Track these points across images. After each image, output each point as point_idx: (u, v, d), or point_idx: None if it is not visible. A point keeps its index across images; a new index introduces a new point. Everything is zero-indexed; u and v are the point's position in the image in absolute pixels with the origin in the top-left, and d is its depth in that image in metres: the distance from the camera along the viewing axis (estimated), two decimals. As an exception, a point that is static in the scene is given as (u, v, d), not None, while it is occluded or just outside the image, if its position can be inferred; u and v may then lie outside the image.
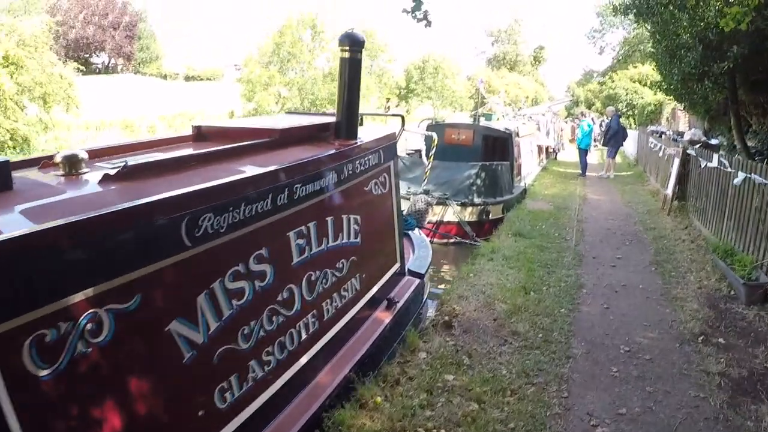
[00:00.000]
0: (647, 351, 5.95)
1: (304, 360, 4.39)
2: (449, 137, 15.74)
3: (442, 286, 9.33)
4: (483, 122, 17.21)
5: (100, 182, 3.31)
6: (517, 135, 16.95)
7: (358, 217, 5.30)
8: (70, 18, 75.50)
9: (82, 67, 42.56)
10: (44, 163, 3.81)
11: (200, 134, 5.16)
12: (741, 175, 8.57)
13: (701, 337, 6.27)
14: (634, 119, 36.26)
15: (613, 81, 42.84)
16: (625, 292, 7.78)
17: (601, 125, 28.93)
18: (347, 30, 5.46)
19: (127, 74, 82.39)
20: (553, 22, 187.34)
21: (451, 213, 12.70)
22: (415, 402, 4.75)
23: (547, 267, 8.73)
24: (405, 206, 12.08)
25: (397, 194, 6.36)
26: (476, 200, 13.24)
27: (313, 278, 4.54)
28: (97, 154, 4.20)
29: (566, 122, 44.93)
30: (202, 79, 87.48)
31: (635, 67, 44.29)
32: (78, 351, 2.65)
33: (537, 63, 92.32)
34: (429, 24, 7.20)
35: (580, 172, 21.65)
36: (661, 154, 16.93)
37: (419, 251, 7.81)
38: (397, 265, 6.39)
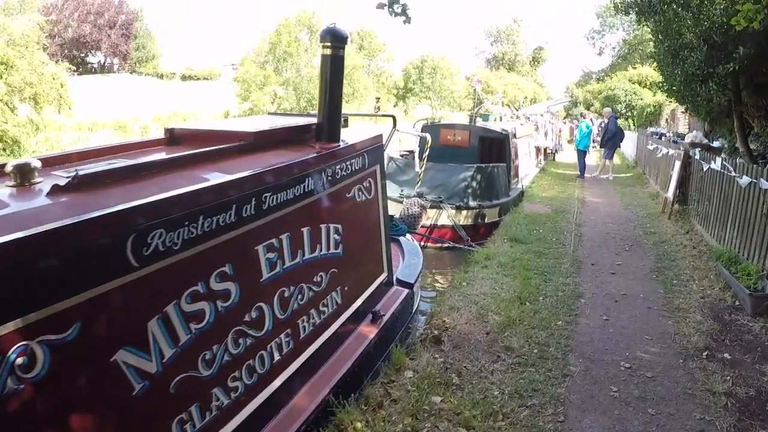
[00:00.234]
0: (649, 368, 5.59)
1: (277, 383, 4.04)
2: (444, 138, 15.39)
3: (434, 295, 8.93)
4: (479, 123, 16.84)
5: (49, 194, 3.01)
6: (515, 136, 16.57)
7: (340, 226, 4.95)
8: (65, 17, 75.23)
9: (72, 67, 42.11)
10: None
11: (173, 138, 4.81)
12: (746, 179, 8.22)
13: (706, 352, 5.92)
14: (633, 120, 35.88)
15: (611, 79, 42.44)
16: (625, 302, 7.42)
17: (600, 126, 28.60)
18: (329, 25, 5.13)
19: (123, 74, 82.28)
20: (552, 22, 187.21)
21: (446, 217, 12.33)
22: (399, 428, 4.38)
23: (544, 275, 8.38)
24: (398, 210, 11.79)
25: (384, 200, 6.01)
26: (471, 203, 12.87)
27: (286, 295, 4.18)
28: (57, 162, 3.88)
29: (565, 123, 44.65)
30: (198, 79, 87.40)
31: (635, 68, 43.97)
32: (8, 388, 2.35)
33: (536, 63, 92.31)
34: (408, 20, 6.81)
35: (579, 173, 21.35)
36: (660, 155, 16.62)
37: (409, 258, 7.46)
38: (384, 275, 6.04)
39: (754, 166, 8.29)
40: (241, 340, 3.67)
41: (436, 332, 6.11)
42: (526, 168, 19.07)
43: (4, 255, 2.35)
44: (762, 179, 7.61)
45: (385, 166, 13.55)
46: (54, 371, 2.51)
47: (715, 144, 12.94)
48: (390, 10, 6.67)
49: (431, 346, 5.83)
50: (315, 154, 4.69)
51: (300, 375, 4.32)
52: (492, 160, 14.85)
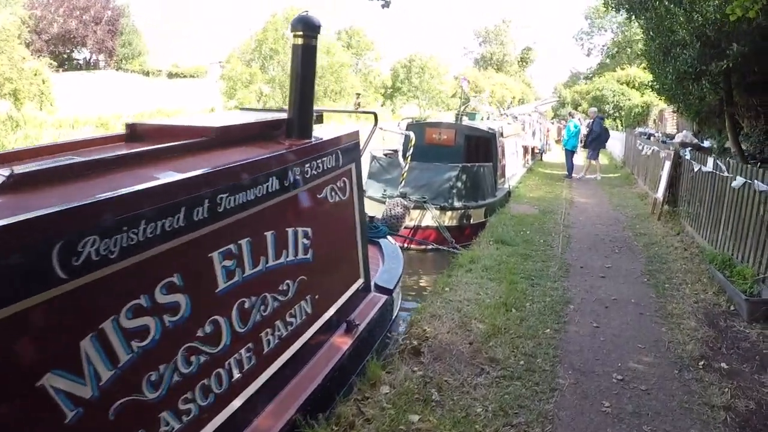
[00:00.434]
0: (643, 380, 5.24)
1: (237, 404, 3.67)
2: (430, 137, 15.02)
3: (416, 301, 8.52)
4: (466, 122, 16.47)
5: None
6: (501, 135, 16.22)
7: (309, 230, 4.58)
8: (51, 12, 74.36)
9: (54, 63, 41.59)
10: None
11: (134, 134, 4.39)
12: (740, 180, 7.90)
13: (702, 362, 5.57)
14: (621, 121, 35.79)
15: (600, 80, 42.35)
16: (616, 308, 7.07)
17: (588, 126, 28.38)
18: (301, 13, 4.75)
19: (108, 70, 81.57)
20: (541, 23, 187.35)
21: (430, 218, 11.96)
22: (372, 451, 4.00)
23: (531, 279, 8.01)
24: (380, 210, 11.41)
25: (360, 201, 5.64)
26: (456, 204, 12.49)
27: (246, 306, 3.81)
28: (6, 159, 3.53)
29: (552, 123, 44.49)
30: (185, 77, 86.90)
31: (623, 68, 43.89)
32: None
33: (524, 64, 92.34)
34: (387, 4, 6.44)
35: (567, 173, 21.08)
36: (649, 153, 16.35)
37: (389, 262, 7.09)
38: (360, 281, 5.69)
39: (748, 166, 7.97)
40: (193, 358, 3.31)
41: (415, 342, 5.72)
42: (513, 168, 18.74)
43: None
44: (757, 181, 7.28)
45: (369, 165, 13.31)
46: None
47: (706, 144, 12.65)
48: None
49: (410, 358, 5.44)
50: (280, 152, 4.32)
51: (264, 393, 3.95)
52: (478, 160, 14.49)
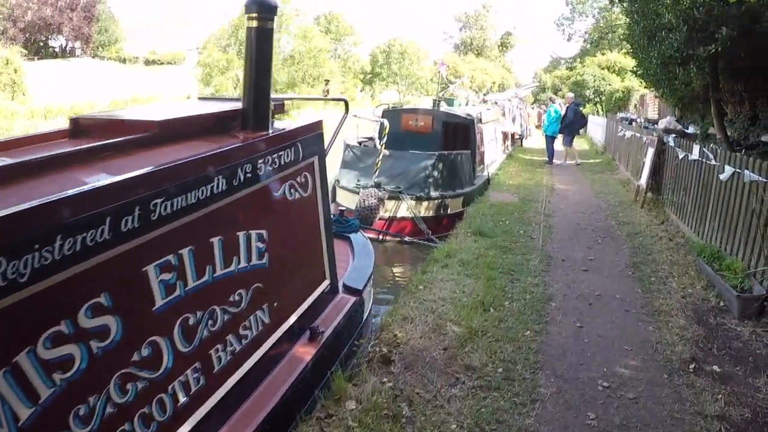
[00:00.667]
0: (630, 387, 4.85)
1: (184, 430, 3.27)
2: (406, 123, 14.57)
3: (389, 299, 8.07)
4: (444, 107, 16.00)
5: None
6: (480, 121, 15.75)
7: (264, 232, 4.14)
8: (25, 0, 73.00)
9: (24, 50, 40.74)
10: None
11: (77, 129, 3.90)
12: (728, 170, 7.52)
13: (692, 365, 5.20)
14: (601, 106, 35.49)
15: (584, 66, 42.06)
16: (600, 305, 6.68)
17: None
18: None
19: (85, 58, 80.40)
20: (521, 8, 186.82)
21: (405, 208, 11.51)
22: (332, 480, 3.57)
23: (511, 273, 7.60)
24: (354, 201, 10.97)
25: (323, 197, 5.17)
26: (433, 194, 12.03)
27: (191, 322, 3.37)
28: None
29: (533, 108, 44.18)
30: (162, 64, 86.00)
31: (603, 54, 43.59)
32: None
33: (504, 49, 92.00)
34: None
35: (547, 160, 20.75)
36: (631, 139, 16.03)
37: (359, 259, 6.64)
38: (325, 283, 5.24)
39: (737, 154, 7.59)
40: (129, 386, 2.91)
41: (385, 350, 5.27)
42: (493, 154, 18.32)
43: None
44: (747, 170, 6.90)
45: (342, 154, 12.83)
46: None
47: (690, 130, 12.29)
48: None
49: (379, 368, 4.99)
50: (227, 147, 3.85)
51: (215, 417, 3.54)
52: (456, 147, 14.06)
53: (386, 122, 11.10)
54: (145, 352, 3.02)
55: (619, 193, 14.27)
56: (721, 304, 6.56)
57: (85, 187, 2.71)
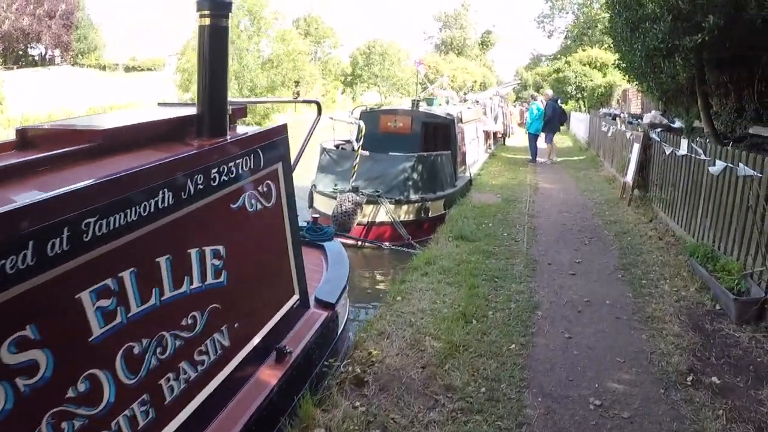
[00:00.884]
0: (624, 404, 4.45)
1: None
2: (385, 125, 14.15)
3: (369, 309, 7.64)
4: (423, 107, 15.59)
5: None
6: (461, 120, 15.35)
7: (221, 248, 3.77)
8: (3, 9, 72.15)
9: (1, 60, 40.31)
10: None
11: (24, 140, 3.61)
12: (720, 164, 7.16)
13: (690, 377, 4.81)
14: (584, 102, 35.24)
15: (566, 63, 41.86)
16: (589, 312, 6.27)
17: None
18: None
19: (64, 66, 79.68)
20: (501, 6, 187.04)
21: (384, 213, 11.08)
22: None
23: (494, 280, 7.18)
24: (331, 207, 10.54)
25: (289, 205, 4.76)
26: (413, 197, 11.60)
27: (136, 351, 3.05)
28: None
29: (515, 106, 43.95)
30: (142, 70, 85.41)
31: (584, 50, 43.40)
32: None
33: (485, 47, 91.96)
34: None
35: (531, 158, 20.41)
36: (616, 135, 15.70)
37: (333, 270, 6.23)
38: (294, 298, 4.84)
39: (729, 148, 7.21)
40: (64, 425, 2.63)
41: (358, 370, 4.84)
42: (475, 154, 17.94)
43: None
44: (742, 164, 6.53)
45: (319, 157, 12.41)
46: None
47: (676, 124, 11.94)
48: None
49: (351, 390, 4.56)
50: (176, 156, 3.48)
51: None
52: (437, 147, 13.66)
53: (362, 124, 10.70)
54: (81, 387, 2.73)
55: (605, 191, 13.91)
56: (717, 307, 6.19)
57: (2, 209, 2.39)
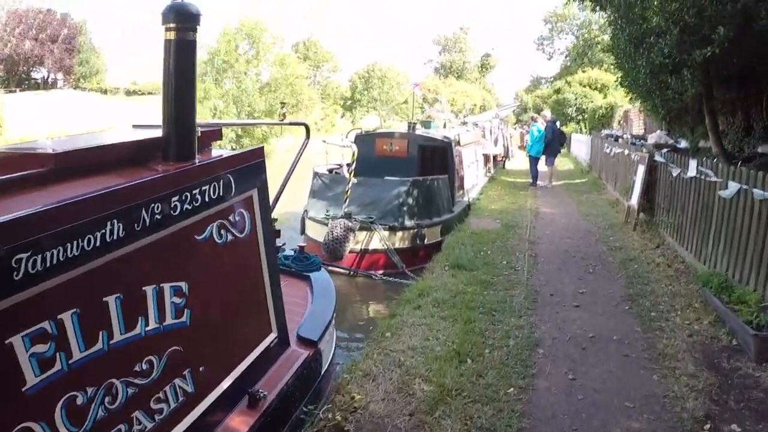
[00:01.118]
0: (637, 460, 3.94)
1: None
2: (380, 149, 13.73)
3: (359, 343, 7.11)
4: (420, 130, 15.17)
5: None
6: (458, 143, 14.89)
7: (183, 285, 3.36)
8: (6, 33, 72.78)
9: (4, 83, 40.61)
10: None
11: None
12: (733, 186, 6.69)
13: (708, 425, 4.33)
14: (584, 123, 34.96)
15: (566, 84, 41.69)
16: (595, 350, 5.77)
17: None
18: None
19: (66, 89, 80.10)
20: (500, 30, 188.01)
21: (378, 240, 10.59)
22: None
23: (492, 314, 6.68)
24: (323, 233, 10.09)
25: (266, 235, 4.30)
26: (408, 223, 11.11)
27: (79, 402, 2.72)
28: None
29: (515, 128, 43.66)
30: (143, 94, 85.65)
31: (584, 71, 43.26)
32: None
33: (484, 70, 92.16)
34: None
35: (531, 181, 19.94)
36: (619, 157, 15.26)
37: (318, 303, 5.75)
38: (271, 336, 4.37)
39: (743, 169, 6.74)
40: None
41: (339, 417, 4.34)
42: (473, 178, 17.46)
43: None
44: (757, 189, 6.05)
45: (311, 182, 11.98)
46: None
47: (682, 144, 11.51)
48: None
49: (328, 444, 4.07)
50: (128, 184, 3.10)
51: None
52: (434, 171, 13.20)
53: (354, 147, 10.27)
54: None
55: (609, 215, 13.42)
56: (734, 343, 5.69)
57: None
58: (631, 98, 12.85)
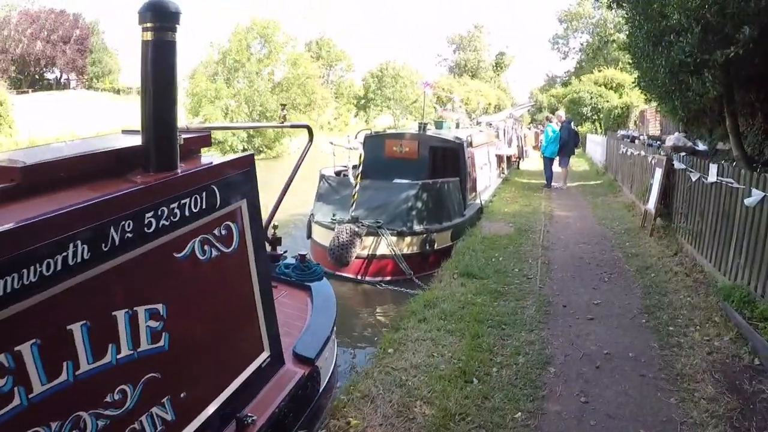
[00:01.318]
0: (654, 496, 3.62)
1: None
2: (390, 150, 13.41)
3: (364, 355, 6.80)
4: (431, 131, 14.83)
5: None
6: (471, 144, 14.52)
7: (160, 307, 3.07)
8: (18, 32, 73.14)
9: (16, 83, 40.69)
10: None
11: None
12: (756, 194, 6.33)
13: (730, 456, 3.98)
14: (599, 124, 34.45)
15: (580, 83, 41.17)
16: (609, 367, 5.44)
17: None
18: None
19: (79, 90, 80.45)
20: (515, 29, 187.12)
21: (385, 245, 10.28)
22: None
23: (502, 327, 6.36)
24: (329, 238, 9.82)
25: (257, 249, 3.98)
26: (417, 227, 10.78)
27: None
28: None
29: (529, 128, 43.23)
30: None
31: (600, 70, 42.71)
32: None
33: (499, 69, 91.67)
34: None
35: (545, 183, 19.57)
36: (636, 158, 14.88)
37: (317, 316, 5.45)
38: (263, 356, 4.06)
39: (767, 176, 6.38)
40: None
41: (333, 446, 4.07)
42: (486, 180, 17.11)
43: None
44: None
45: (318, 185, 11.70)
46: None
47: (701, 147, 11.11)
48: None
49: (320, 478, 3.79)
50: (96, 200, 2.81)
51: None
52: (446, 173, 12.88)
53: (361, 150, 9.98)
54: None
55: (625, 219, 13.06)
56: (757, 362, 5.34)
57: None
58: (648, 99, 12.42)
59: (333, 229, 10.04)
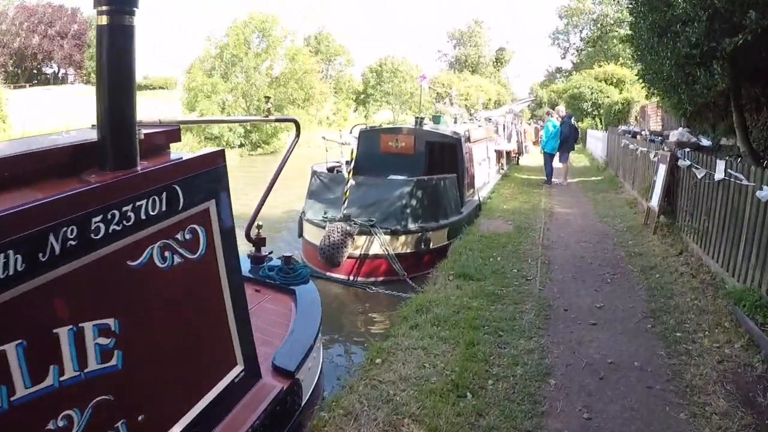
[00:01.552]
0: None
1: None
2: (386, 145, 13.04)
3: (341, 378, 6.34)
4: (428, 126, 14.44)
5: None
6: (468, 140, 14.11)
7: (111, 322, 2.74)
8: (15, 26, 72.82)
9: (13, 78, 40.36)
10: None
11: None
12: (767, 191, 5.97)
13: (745, 477, 3.62)
14: (600, 119, 34.09)
15: (578, 75, 40.88)
16: (614, 379, 5.07)
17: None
18: None
19: (77, 84, 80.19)
20: (515, 24, 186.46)
21: (379, 245, 9.89)
22: None
23: (499, 334, 5.98)
24: (320, 237, 9.46)
25: (229, 253, 3.61)
26: (411, 226, 10.38)
27: None
28: None
29: (529, 124, 42.87)
30: (154, 88, 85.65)
31: (600, 66, 42.35)
32: None
33: (499, 65, 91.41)
34: None
35: (545, 179, 19.24)
36: (638, 154, 14.51)
37: (300, 324, 5.10)
38: (236, 370, 3.72)
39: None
40: None
41: (309, 471, 3.70)
42: (485, 176, 16.71)
43: None
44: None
45: (309, 181, 11.32)
46: None
47: (705, 143, 10.73)
48: None
49: None
50: (33, 203, 2.48)
51: None
52: (443, 169, 12.49)
53: (353, 146, 9.62)
54: None
55: (627, 216, 12.68)
56: (770, 370, 4.98)
57: None
58: (650, 94, 12.01)
59: (324, 228, 9.67)
